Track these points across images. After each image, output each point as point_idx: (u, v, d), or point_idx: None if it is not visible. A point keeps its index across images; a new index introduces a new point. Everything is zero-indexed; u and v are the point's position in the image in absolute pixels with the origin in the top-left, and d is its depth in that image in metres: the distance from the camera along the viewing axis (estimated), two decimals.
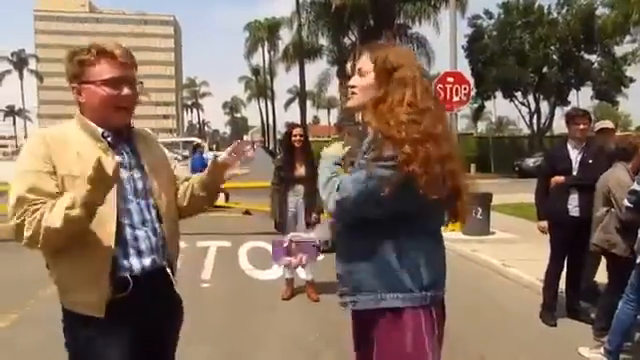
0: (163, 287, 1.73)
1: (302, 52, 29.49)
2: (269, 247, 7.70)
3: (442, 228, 1.63)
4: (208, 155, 14.09)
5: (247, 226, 9.19)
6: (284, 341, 3.93)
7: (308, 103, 38.57)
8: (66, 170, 1.55)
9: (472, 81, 9.39)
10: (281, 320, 4.45)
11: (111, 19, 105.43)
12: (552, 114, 28.97)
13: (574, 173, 4.01)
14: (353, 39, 30.93)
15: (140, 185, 1.68)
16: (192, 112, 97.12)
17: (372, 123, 1.51)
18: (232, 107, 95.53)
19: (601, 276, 4.27)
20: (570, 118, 4.09)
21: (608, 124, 4.27)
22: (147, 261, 1.65)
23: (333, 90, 60.48)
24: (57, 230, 1.45)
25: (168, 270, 1.74)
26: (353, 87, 1.60)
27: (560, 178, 4.02)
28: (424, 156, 1.38)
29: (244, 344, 3.84)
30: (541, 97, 28.32)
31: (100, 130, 1.63)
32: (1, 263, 6.45)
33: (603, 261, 3.92)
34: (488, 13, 27.43)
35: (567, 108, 30.94)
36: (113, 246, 1.57)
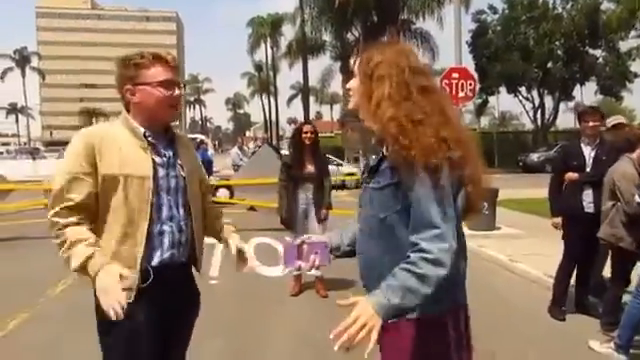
0: (182, 280, 1.89)
1: (305, 48, 29.46)
2: (275, 244, 7.77)
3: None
4: (212, 152, 14.13)
5: (252, 222, 9.19)
6: (294, 337, 3.96)
7: (311, 99, 38.56)
8: (107, 169, 1.69)
9: (476, 76, 9.34)
10: (291, 316, 4.48)
11: (113, 16, 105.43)
12: (556, 109, 28.90)
13: (587, 170, 4.01)
14: (357, 35, 30.87)
15: (173, 183, 1.81)
16: (194, 108, 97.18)
17: (368, 123, 1.54)
18: (235, 103, 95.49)
19: (609, 271, 4.28)
20: (581, 115, 4.10)
21: (620, 119, 4.27)
22: (167, 255, 1.78)
23: (336, 86, 60.53)
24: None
25: (187, 264, 1.90)
26: (349, 90, 1.62)
27: (574, 175, 4.03)
28: (418, 140, 1.37)
29: (254, 339, 3.87)
30: (545, 92, 28.23)
31: (142, 130, 1.77)
32: (11, 262, 6.52)
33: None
34: (492, 8, 27.37)
35: (571, 103, 30.95)
36: (145, 239, 1.71)
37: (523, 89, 28.29)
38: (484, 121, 61.46)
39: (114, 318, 1.49)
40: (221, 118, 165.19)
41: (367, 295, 1.35)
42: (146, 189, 1.71)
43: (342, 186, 15.67)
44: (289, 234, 4.95)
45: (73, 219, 1.66)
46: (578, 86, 27.88)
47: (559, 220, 4.19)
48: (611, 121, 4.22)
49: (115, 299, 1.51)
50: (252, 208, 10.58)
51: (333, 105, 73.47)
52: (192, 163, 1.94)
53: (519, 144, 28.14)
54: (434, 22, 27.95)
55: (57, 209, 1.67)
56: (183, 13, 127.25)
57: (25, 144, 71.55)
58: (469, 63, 26.38)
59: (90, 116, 71.54)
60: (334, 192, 6.20)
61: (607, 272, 4.46)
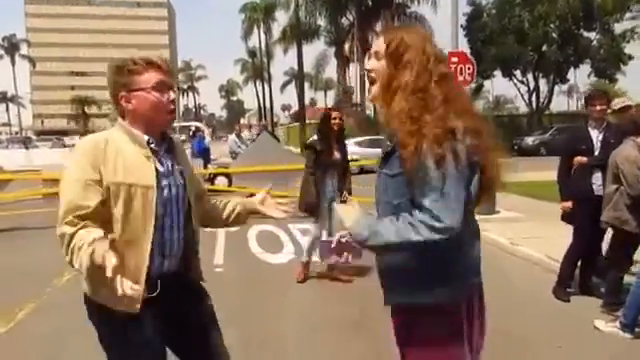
0: (183, 284, 1.89)
1: (300, 33, 29.21)
2: (277, 231, 7.76)
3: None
4: (209, 139, 14.02)
5: None
6: (306, 323, 3.99)
7: (305, 85, 38.28)
8: (110, 178, 1.66)
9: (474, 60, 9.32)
10: (300, 301, 4.51)
11: (103, 1, 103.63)
12: (551, 92, 28.93)
13: (596, 153, 4.04)
14: (351, 19, 30.66)
15: (175, 191, 1.80)
16: (188, 96, 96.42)
17: (383, 107, 1.54)
18: (228, 90, 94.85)
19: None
20: (588, 99, 4.12)
21: (627, 102, 4.29)
22: (169, 263, 1.80)
23: (330, 71, 60.13)
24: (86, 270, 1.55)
25: (186, 270, 1.90)
26: (370, 71, 1.59)
27: (582, 159, 4.06)
28: (422, 132, 1.39)
29: (266, 327, 3.89)
30: (540, 75, 28.22)
31: (145, 137, 1.75)
32: (11, 253, 6.51)
33: None
34: None
35: (565, 86, 30.88)
36: (149, 249, 1.70)
37: (518, 72, 28.26)
38: (479, 105, 61.42)
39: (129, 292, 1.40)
40: (215, 105, 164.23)
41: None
42: (150, 199, 1.70)
43: None
44: (311, 221, 4.93)
45: (81, 224, 1.58)
46: (572, 69, 27.92)
47: (569, 204, 4.22)
48: (617, 103, 4.24)
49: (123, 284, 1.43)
50: (252, 195, 10.57)
51: (327, 91, 73.18)
52: (188, 167, 1.94)
53: (514, 127, 28.18)
54: (428, 6, 27.74)
55: (69, 218, 1.59)
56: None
57: (17, 133, 70.85)
58: (464, 47, 26.31)
59: (82, 104, 70.83)
60: None
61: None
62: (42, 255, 5.58)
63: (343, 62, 32.37)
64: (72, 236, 1.55)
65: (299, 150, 29.34)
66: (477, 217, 1.64)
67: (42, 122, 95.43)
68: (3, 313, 4.18)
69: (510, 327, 3.73)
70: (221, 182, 11.20)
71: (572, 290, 4.37)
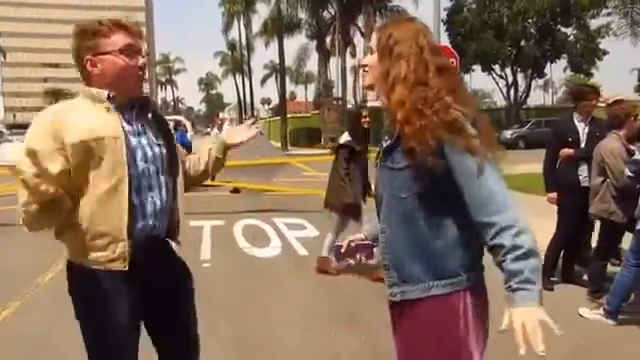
0: (164, 253, 1.83)
1: (281, 25, 29.01)
2: (263, 225, 7.68)
3: None
4: (191, 134, 13.85)
5: (238, 204, 9.18)
6: (297, 315, 3.99)
7: (286, 79, 38.05)
8: (75, 137, 1.58)
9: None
10: (290, 293, 4.51)
11: None
12: (529, 87, 29.43)
13: (582, 145, 4.14)
14: (333, 13, 30.58)
15: (149, 151, 1.72)
16: (166, 89, 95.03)
17: (383, 101, 1.53)
18: (207, 84, 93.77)
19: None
20: (583, 94, 4.19)
21: (620, 96, 4.42)
22: (149, 224, 1.71)
23: (311, 65, 59.95)
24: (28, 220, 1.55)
25: (168, 235, 1.83)
26: (364, 66, 1.60)
27: (570, 151, 4.15)
28: (427, 125, 1.38)
29: (258, 322, 3.86)
30: (518, 70, 28.67)
31: (105, 92, 1.66)
32: None
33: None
34: None
35: (541, 81, 31.51)
36: (127, 206, 1.63)
37: (497, 67, 28.66)
38: None
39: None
40: (193, 99, 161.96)
41: (511, 306, 1.32)
42: (119, 149, 1.61)
43: None
44: (353, 223, 4.81)
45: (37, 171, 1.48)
46: (549, 64, 28.45)
47: (555, 195, 4.32)
48: (609, 98, 4.37)
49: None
50: (235, 190, 10.52)
51: (307, 85, 72.96)
52: (167, 132, 1.84)
53: (492, 121, 27.64)
54: (410, 0, 27.73)
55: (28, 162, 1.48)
56: None
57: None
58: (444, 41, 26.52)
59: (56, 97, 69.10)
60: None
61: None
62: (22, 253, 5.44)
63: (324, 56, 32.31)
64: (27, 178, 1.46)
65: (279, 145, 29.27)
66: None
67: (14, 115, 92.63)
68: None
69: (496, 316, 3.80)
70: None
71: (555, 279, 4.48)
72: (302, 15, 32.00)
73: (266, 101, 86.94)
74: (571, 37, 26.72)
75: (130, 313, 1.70)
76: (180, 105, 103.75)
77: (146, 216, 1.69)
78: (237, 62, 53.45)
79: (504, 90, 29.89)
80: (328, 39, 32.00)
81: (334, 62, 33.09)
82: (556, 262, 4.44)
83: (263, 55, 78.21)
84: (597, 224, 4.11)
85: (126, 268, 1.65)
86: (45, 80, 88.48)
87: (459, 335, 1.47)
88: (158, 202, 1.72)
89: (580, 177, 4.14)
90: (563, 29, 26.58)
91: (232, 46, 53.69)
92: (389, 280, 1.56)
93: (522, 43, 26.46)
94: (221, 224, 7.39)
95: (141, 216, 1.68)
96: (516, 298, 1.30)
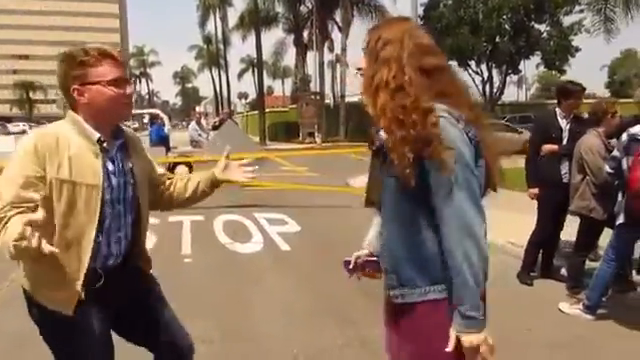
0: (129, 279, 1.84)
1: (258, 19, 28.70)
2: (244, 220, 7.63)
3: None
4: (169, 127, 13.59)
5: (216, 199, 9.03)
6: (279, 309, 3.97)
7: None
8: (55, 173, 1.60)
9: None
10: (272, 288, 4.50)
11: None
12: (504, 83, 29.88)
13: (564, 142, 4.19)
14: (310, 6, 30.42)
15: (123, 192, 1.76)
16: (140, 82, 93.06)
17: (369, 106, 1.51)
18: (183, 77, 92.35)
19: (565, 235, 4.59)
20: (570, 93, 4.22)
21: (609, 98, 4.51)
22: (114, 260, 1.77)
23: (288, 59, 59.63)
24: (12, 253, 1.47)
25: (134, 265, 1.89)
26: (360, 69, 1.57)
27: (554, 147, 4.20)
28: (415, 130, 1.37)
29: (241, 316, 3.84)
30: (493, 66, 29.08)
31: (97, 135, 1.69)
32: None
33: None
34: None
35: (515, 77, 31.94)
36: (90, 252, 1.66)
37: (473, 63, 29.01)
38: None
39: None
40: (169, 92, 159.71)
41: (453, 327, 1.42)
42: (94, 199, 1.65)
43: None
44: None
45: (21, 209, 1.49)
46: (523, 60, 28.93)
47: (536, 190, 4.37)
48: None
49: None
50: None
51: (285, 79, 72.59)
52: (143, 162, 1.88)
53: None
54: None
55: (9, 207, 1.51)
56: None
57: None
58: None
59: (26, 89, 67.06)
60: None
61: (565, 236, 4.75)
62: None
63: (302, 50, 32.14)
64: (9, 219, 1.48)
65: (257, 139, 29.05)
66: None
67: None
68: None
69: (494, 318, 3.85)
70: (182, 171, 10.94)
71: (535, 274, 4.56)
72: (279, 9, 31.80)
73: (243, 95, 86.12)
74: (544, 34, 27.21)
75: (101, 333, 1.74)
76: (155, 99, 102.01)
77: (110, 256, 1.74)
78: (213, 56, 52.69)
79: (480, 86, 30.29)
80: (305, 33, 31.85)
81: (311, 56, 33.01)
82: (536, 257, 4.51)
83: (240, 49, 77.75)
84: (574, 222, 4.18)
85: (70, 313, 1.65)
86: (15, 72, 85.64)
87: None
88: (123, 241, 1.78)
89: (561, 173, 4.20)
90: (537, 26, 27.05)
91: (208, 40, 52.92)
92: (389, 282, 1.56)
93: (497, 39, 26.84)
94: (201, 219, 7.28)
95: (104, 255, 1.73)
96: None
